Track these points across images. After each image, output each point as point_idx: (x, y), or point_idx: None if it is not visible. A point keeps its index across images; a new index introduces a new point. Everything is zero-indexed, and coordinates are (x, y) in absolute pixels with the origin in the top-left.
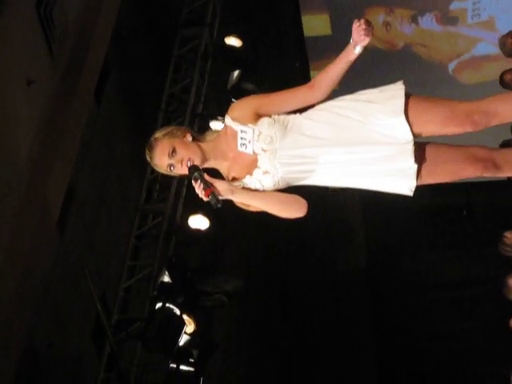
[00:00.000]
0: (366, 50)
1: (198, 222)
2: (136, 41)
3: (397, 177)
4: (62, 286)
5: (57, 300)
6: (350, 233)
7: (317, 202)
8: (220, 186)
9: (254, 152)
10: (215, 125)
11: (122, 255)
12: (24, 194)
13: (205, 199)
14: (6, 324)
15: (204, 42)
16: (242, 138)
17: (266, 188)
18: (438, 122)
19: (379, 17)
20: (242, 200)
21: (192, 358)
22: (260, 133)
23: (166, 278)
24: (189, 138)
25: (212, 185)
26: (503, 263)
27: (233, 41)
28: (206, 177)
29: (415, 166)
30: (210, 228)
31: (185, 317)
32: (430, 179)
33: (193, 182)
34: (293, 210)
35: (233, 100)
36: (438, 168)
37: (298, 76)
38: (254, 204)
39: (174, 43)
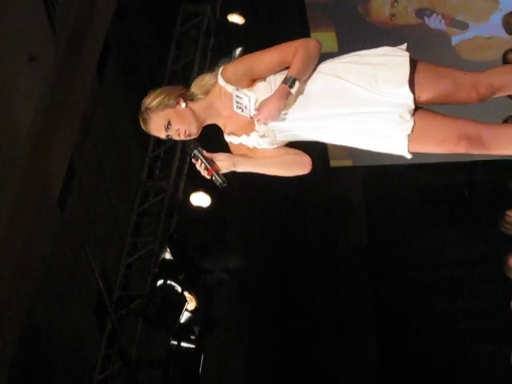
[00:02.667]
0: (370, 31)
1: (200, 199)
2: (138, 17)
3: (393, 138)
4: (62, 263)
5: (58, 277)
6: (351, 211)
7: (318, 180)
8: (221, 160)
9: (250, 117)
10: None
11: (123, 232)
12: (25, 171)
13: (207, 177)
14: (7, 301)
15: (206, 19)
16: (237, 102)
17: (263, 147)
18: (443, 93)
19: (385, 10)
20: (244, 170)
21: (193, 335)
22: (256, 100)
23: (168, 255)
24: (182, 104)
25: (213, 162)
26: (504, 242)
27: (235, 18)
28: (206, 154)
29: (406, 137)
30: (211, 205)
31: (186, 294)
32: (415, 146)
33: (193, 160)
34: (297, 169)
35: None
36: (423, 135)
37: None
38: (257, 171)
39: (176, 20)
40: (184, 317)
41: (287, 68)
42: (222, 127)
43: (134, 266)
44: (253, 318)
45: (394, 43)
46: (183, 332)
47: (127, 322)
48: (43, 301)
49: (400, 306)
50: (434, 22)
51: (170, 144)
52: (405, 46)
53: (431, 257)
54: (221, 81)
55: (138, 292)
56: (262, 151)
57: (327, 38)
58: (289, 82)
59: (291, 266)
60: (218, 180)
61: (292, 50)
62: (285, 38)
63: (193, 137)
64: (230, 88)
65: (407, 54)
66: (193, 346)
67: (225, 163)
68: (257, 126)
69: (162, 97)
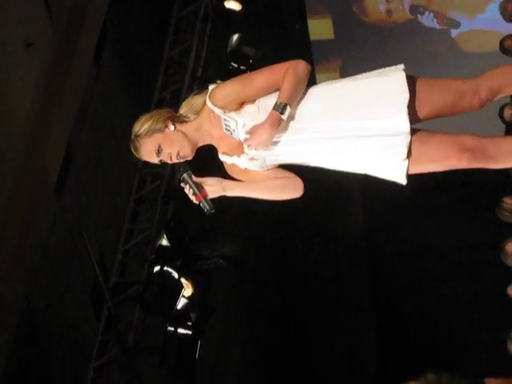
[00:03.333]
0: (369, 30)
1: None
2: (135, 3)
3: (389, 166)
4: (60, 249)
5: (55, 263)
6: (348, 198)
7: (315, 168)
8: (210, 185)
9: (239, 140)
10: None
11: (120, 218)
12: (22, 156)
13: (196, 203)
14: (4, 286)
15: (204, 5)
16: (225, 125)
17: (253, 170)
18: (445, 105)
19: (380, 6)
20: (235, 195)
21: (190, 322)
22: (244, 124)
23: (165, 242)
24: (170, 127)
25: (202, 188)
26: (501, 228)
27: (232, 4)
28: (195, 178)
29: (406, 163)
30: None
31: (183, 280)
32: (415, 168)
33: (182, 184)
34: (288, 193)
35: (232, 64)
36: (422, 154)
37: (298, 39)
38: (247, 195)
39: (173, 6)
40: (181, 303)
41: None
42: (216, 146)
43: (131, 252)
44: (250, 304)
45: (392, 39)
46: (180, 318)
47: (124, 308)
48: (40, 286)
49: (398, 292)
50: (427, 20)
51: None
52: (402, 66)
53: (428, 242)
54: (209, 103)
55: (135, 278)
56: (255, 173)
57: (323, 25)
58: (279, 108)
59: (288, 251)
60: (206, 207)
61: (281, 74)
62: (282, 24)
63: (187, 159)
64: (217, 111)
65: (403, 75)
66: (189, 332)
67: (214, 188)
68: (246, 149)
69: (149, 122)
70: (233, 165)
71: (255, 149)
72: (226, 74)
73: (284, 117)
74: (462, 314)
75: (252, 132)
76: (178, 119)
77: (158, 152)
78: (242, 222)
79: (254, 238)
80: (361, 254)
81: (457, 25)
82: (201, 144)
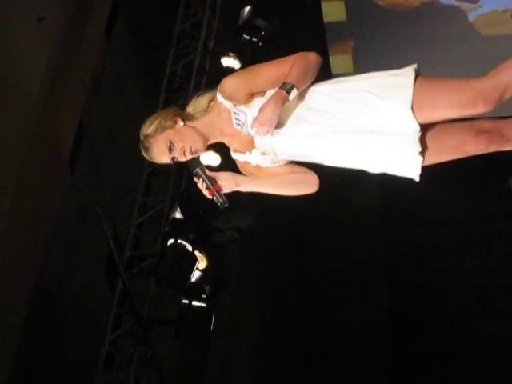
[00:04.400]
0: (382, 12)
1: (210, 158)
2: None
3: (402, 163)
4: (73, 223)
5: (68, 237)
6: (361, 173)
7: None
8: (224, 179)
9: (249, 133)
10: (226, 61)
11: (133, 192)
12: (35, 131)
13: (209, 197)
14: (18, 261)
15: None
16: (236, 119)
17: (265, 166)
18: (447, 106)
19: None
20: (248, 190)
21: (204, 294)
22: (253, 116)
23: (178, 215)
24: (180, 123)
25: (215, 181)
26: None
27: None
28: (208, 172)
29: (420, 159)
30: (221, 164)
31: (197, 253)
32: (432, 158)
33: (195, 179)
34: (303, 189)
35: (244, 36)
36: (439, 145)
37: (309, 12)
38: (261, 191)
39: None
40: (195, 276)
41: None
42: (228, 144)
43: (145, 225)
44: (263, 277)
45: (406, 22)
46: (194, 291)
47: (138, 281)
48: (54, 261)
49: (410, 266)
50: None
51: (180, 103)
52: (415, 65)
53: (441, 213)
54: (219, 97)
55: (148, 251)
56: (268, 169)
57: (336, 7)
58: (286, 87)
59: (302, 223)
60: (220, 200)
61: (290, 62)
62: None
63: (199, 153)
64: (227, 104)
65: (412, 75)
66: (204, 304)
67: (228, 183)
68: (256, 143)
69: (158, 120)
70: (245, 162)
71: (262, 131)
72: (238, 47)
73: (290, 97)
74: (476, 287)
75: (256, 116)
76: (186, 117)
77: (171, 149)
78: (256, 194)
79: (268, 211)
80: (375, 226)
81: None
82: (212, 141)
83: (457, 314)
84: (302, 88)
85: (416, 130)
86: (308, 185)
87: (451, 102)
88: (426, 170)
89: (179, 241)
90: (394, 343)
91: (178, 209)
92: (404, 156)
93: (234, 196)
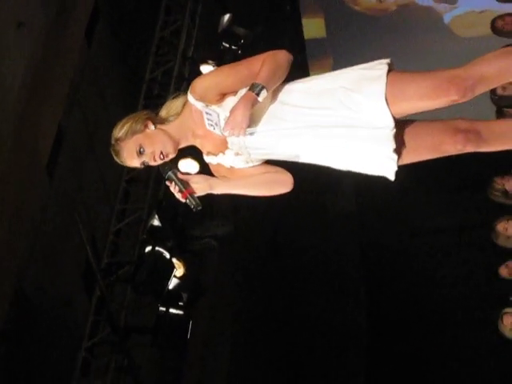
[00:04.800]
0: (358, 18)
1: (188, 165)
2: None
3: (377, 162)
4: (51, 230)
5: (47, 243)
6: (339, 177)
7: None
8: (196, 182)
9: (222, 134)
10: (205, 69)
11: (111, 199)
12: (13, 137)
13: (182, 201)
14: None
15: None
16: (208, 119)
17: (239, 167)
18: (421, 95)
19: None
20: (222, 192)
21: (181, 302)
22: (226, 116)
23: (156, 222)
24: (151, 126)
25: (188, 184)
26: (492, 209)
27: None
28: (181, 176)
29: (395, 156)
30: (199, 172)
31: (174, 260)
32: (409, 157)
33: (167, 183)
34: (277, 188)
35: (224, 44)
36: (416, 144)
37: (289, 20)
38: (235, 192)
39: None
40: (172, 283)
41: None
42: (200, 147)
43: (123, 232)
44: (241, 285)
45: (382, 31)
46: (171, 298)
47: (116, 288)
48: (32, 267)
49: (387, 273)
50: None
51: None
52: (388, 60)
53: (419, 222)
54: (190, 98)
55: (126, 258)
56: (241, 171)
57: (316, 24)
58: (255, 88)
59: (280, 231)
60: (193, 203)
61: (260, 63)
62: (273, 5)
63: (170, 157)
64: (199, 105)
65: (385, 68)
66: (181, 312)
67: (200, 185)
68: (229, 144)
69: (128, 124)
70: (218, 165)
71: (234, 134)
72: (217, 54)
73: (260, 98)
74: (454, 295)
75: (228, 119)
76: (157, 120)
77: (140, 152)
78: (234, 202)
79: (246, 219)
80: (352, 232)
81: (453, 0)
82: (184, 144)
83: (434, 321)
84: (273, 87)
85: (390, 125)
86: (282, 184)
87: (424, 91)
88: (402, 176)
89: (157, 248)
90: (373, 349)
91: (156, 216)
92: (379, 152)
93: (213, 204)
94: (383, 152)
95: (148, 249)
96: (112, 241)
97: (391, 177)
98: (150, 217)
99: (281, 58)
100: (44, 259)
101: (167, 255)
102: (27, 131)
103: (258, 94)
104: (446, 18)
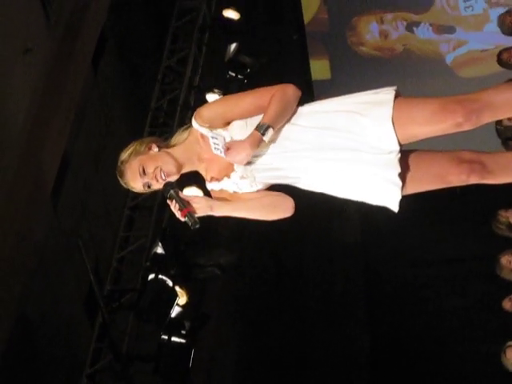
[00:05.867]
0: (367, 59)
1: (193, 193)
2: (134, 10)
3: (381, 191)
4: (55, 256)
5: (50, 269)
6: (344, 208)
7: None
8: (197, 203)
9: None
10: (211, 97)
11: (115, 226)
12: (19, 161)
13: (181, 219)
14: None
15: (202, 14)
16: (214, 143)
17: (243, 191)
18: (427, 118)
19: (372, 25)
20: (222, 214)
21: (184, 330)
22: (232, 138)
23: (160, 250)
24: (154, 149)
25: (189, 203)
26: (497, 242)
27: (230, 13)
28: (182, 195)
29: (399, 183)
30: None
31: (177, 288)
32: (414, 187)
33: (168, 201)
34: (278, 212)
35: (230, 73)
36: (420, 173)
37: (296, 49)
38: (235, 215)
39: (171, 14)
40: (175, 311)
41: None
42: (204, 173)
43: (126, 260)
44: (245, 314)
45: (386, 73)
46: (174, 326)
47: (118, 315)
48: (35, 293)
49: (391, 303)
50: (423, 31)
51: (164, 138)
52: (394, 87)
53: (423, 253)
54: (195, 124)
55: (129, 286)
56: (243, 196)
57: (321, 66)
58: (262, 129)
59: (284, 260)
60: (191, 220)
61: (268, 96)
62: (280, 34)
63: (172, 177)
64: (204, 130)
65: (393, 93)
66: (183, 340)
67: (201, 206)
68: (235, 166)
69: (133, 147)
70: (221, 191)
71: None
72: (224, 83)
73: (265, 138)
74: (457, 327)
75: (231, 147)
76: (163, 144)
77: (142, 173)
78: (238, 231)
79: (250, 248)
80: (356, 262)
81: (452, 30)
82: (189, 168)
83: (437, 353)
84: (279, 126)
85: (396, 149)
86: (283, 208)
87: (430, 114)
88: (408, 210)
89: (160, 276)
90: (375, 380)
91: (160, 244)
92: (383, 178)
93: (217, 233)
94: (387, 177)
95: (151, 276)
96: (115, 268)
97: (395, 208)
98: (154, 244)
99: (289, 94)
100: (47, 284)
101: (170, 283)
102: (32, 157)
103: (263, 134)
104: (448, 59)
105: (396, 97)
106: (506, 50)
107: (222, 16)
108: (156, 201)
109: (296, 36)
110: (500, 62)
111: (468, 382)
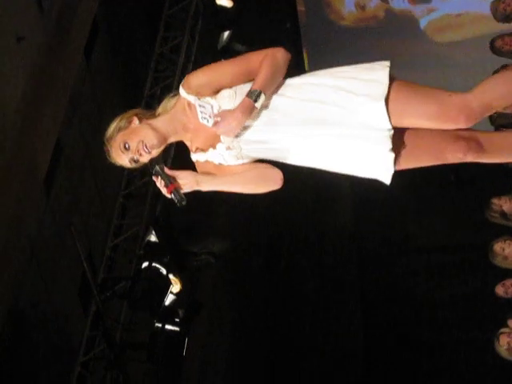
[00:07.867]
0: (349, 30)
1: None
2: None
3: (373, 163)
4: (48, 244)
5: (43, 258)
6: (338, 193)
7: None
8: (184, 178)
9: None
10: None
11: (109, 214)
12: (12, 150)
13: (167, 196)
14: None
15: (195, 2)
16: (201, 112)
17: (229, 163)
18: (429, 117)
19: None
20: (209, 189)
21: (177, 318)
22: (220, 107)
23: (153, 238)
24: (135, 121)
25: (175, 179)
26: (490, 229)
27: (224, 1)
28: (168, 171)
29: (392, 155)
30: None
31: (171, 276)
32: (409, 163)
33: (153, 177)
34: (267, 185)
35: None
36: (417, 150)
37: (289, 37)
38: (223, 189)
39: (164, 2)
40: (168, 299)
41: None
42: (189, 143)
43: (120, 248)
44: (238, 302)
45: (361, 45)
46: (168, 315)
47: (112, 304)
48: (28, 281)
49: (384, 290)
50: (398, 2)
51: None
52: (388, 63)
53: (417, 242)
54: (182, 91)
55: (123, 274)
56: (229, 168)
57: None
58: (253, 95)
59: (277, 248)
60: (177, 197)
61: (258, 62)
62: (273, 22)
63: (155, 149)
64: (191, 98)
65: (386, 71)
66: (177, 328)
67: (187, 181)
68: (222, 137)
69: (115, 122)
70: (206, 162)
71: (224, 135)
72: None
73: (257, 105)
74: (450, 314)
75: (222, 117)
76: (146, 115)
77: (126, 148)
78: (231, 219)
79: (243, 236)
80: (349, 250)
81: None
82: (173, 139)
83: (430, 340)
84: (271, 90)
85: (388, 127)
86: (271, 180)
87: (433, 114)
88: (401, 198)
89: (154, 264)
90: (369, 368)
91: (154, 232)
92: (375, 152)
93: (210, 221)
94: (379, 151)
95: (145, 265)
96: (109, 256)
97: (387, 180)
98: (147, 233)
99: (280, 58)
100: (40, 273)
101: (164, 271)
102: (25, 145)
103: (255, 101)
104: (422, 23)
105: (391, 77)
106: (500, 37)
107: (215, 4)
108: (149, 189)
109: (289, 24)
110: (493, 49)
111: (461, 368)
